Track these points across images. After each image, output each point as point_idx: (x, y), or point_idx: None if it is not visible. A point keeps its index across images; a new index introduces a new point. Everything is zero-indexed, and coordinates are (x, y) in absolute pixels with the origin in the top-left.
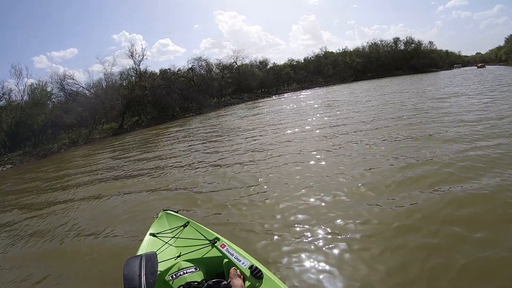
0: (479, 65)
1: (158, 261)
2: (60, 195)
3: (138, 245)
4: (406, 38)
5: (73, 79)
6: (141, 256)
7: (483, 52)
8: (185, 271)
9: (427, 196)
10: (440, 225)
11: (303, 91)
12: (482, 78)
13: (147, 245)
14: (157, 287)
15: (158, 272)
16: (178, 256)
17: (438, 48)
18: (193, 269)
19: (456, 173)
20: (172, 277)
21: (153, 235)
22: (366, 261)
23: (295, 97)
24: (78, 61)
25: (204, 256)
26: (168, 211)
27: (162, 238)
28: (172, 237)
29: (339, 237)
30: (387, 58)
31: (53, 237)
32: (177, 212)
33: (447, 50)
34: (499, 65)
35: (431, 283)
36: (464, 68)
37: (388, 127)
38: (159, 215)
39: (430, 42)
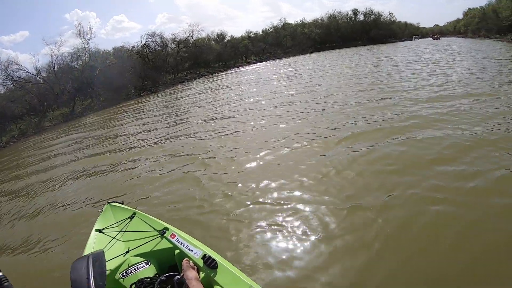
0: (435, 36)
1: (106, 260)
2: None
3: (84, 245)
4: (366, 10)
5: (18, 64)
6: (87, 256)
7: (441, 25)
8: (136, 267)
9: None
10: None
11: (262, 63)
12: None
13: (93, 243)
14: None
15: (107, 271)
16: (127, 252)
17: (398, 19)
18: (144, 264)
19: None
20: (122, 275)
21: (99, 231)
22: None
23: (251, 69)
24: (30, 44)
25: (154, 249)
26: (113, 204)
27: (108, 234)
28: (119, 231)
29: (296, 220)
30: (346, 29)
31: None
32: (122, 204)
33: (406, 22)
34: (457, 36)
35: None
36: (423, 39)
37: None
38: (104, 208)
39: (390, 14)
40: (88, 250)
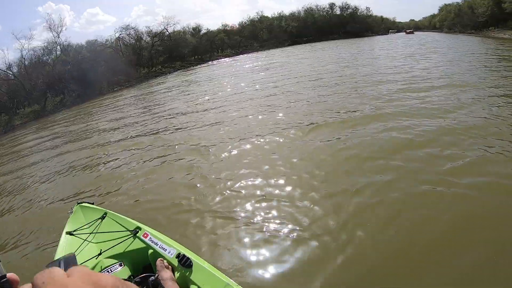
0: (408, 31)
1: (79, 263)
2: None
3: (55, 248)
4: (342, 4)
5: None
6: (59, 260)
7: (416, 19)
8: (109, 269)
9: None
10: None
11: (238, 56)
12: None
13: (64, 246)
14: None
15: None
16: (100, 254)
17: (374, 14)
18: (117, 266)
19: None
20: None
21: (69, 233)
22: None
23: (227, 63)
24: (2, 38)
25: (127, 250)
26: (83, 204)
27: (79, 236)
28: (91, 233)
29: (269, 215)
30: (323, 23)
31: None
32: (92, 204)
33: (382, 16)
34: (432, 31)
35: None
36: (399, 33)
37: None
38: (74, 209)
39: (367, 8)
40: (59, 254)
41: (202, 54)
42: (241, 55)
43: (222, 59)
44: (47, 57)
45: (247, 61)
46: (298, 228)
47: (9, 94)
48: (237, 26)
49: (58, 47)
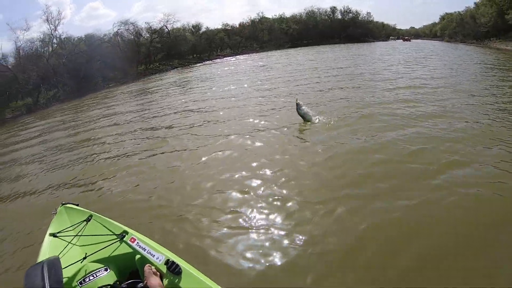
0: (405, 38)
1: (63, 267)
2: None
3: (38, 250)
4: (344, 8)
5: None
6: (42, 263)
7: (417, 27)
8: (94, 274)
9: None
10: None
11: (237, 56)
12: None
13: (48, 248)
14: None
15: (64, 279)
16: (84, 258)
17: (376, 20)
18: (103, 271)
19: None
20: (80, 283)
21: (53, 235)
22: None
23: (227, 62)
24: (2, 29)
25: (113, 254)
26: (68, 205)
27: (64, 238)
28: (75, 236)
29: (259, 216)
30: (324, 26)
31: None
32: (77, 205)
33: (383, 22)
34: (432, 39)
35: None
36: (399, 40)
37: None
38: (58, 210)
39: (368, 13)
40: (42, 257)
41: (201, 52)
42: (241, 56)
43: (221, 59)
44: (43, 49)
45: (247, 62)
46: (295, 234)
47: (1, 86)
48: (237, 26)
49: (55, 40)
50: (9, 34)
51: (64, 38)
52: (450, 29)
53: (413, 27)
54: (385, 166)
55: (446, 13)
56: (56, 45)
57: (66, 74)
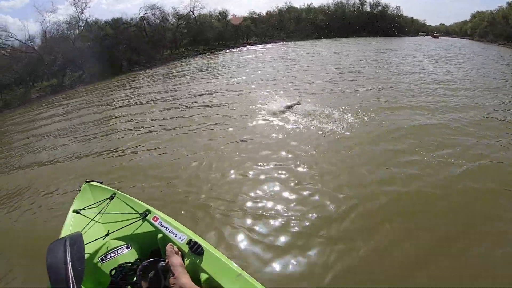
0: (434, 34)
1: (85, 243)
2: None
3: (61, 226)
4: (373, 0)
5: (6, 31)
6: (64, 239)
7: (447, 24)
8: (116, 251)
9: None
10: None
11: (264, 45)
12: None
13: (70, 224)
14: (86, 273)
15: (86, 255)
16: (107, 235)
17: (404, 14)
18: (124, 248)
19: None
20: (101, 259)
21: (76, 212)
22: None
23: (253, 50)
24: (30, 10)
25: (135, 232)
26: (92, 183)
27: (87, 215)
28: (98, 213)
29: (281, 206)
30: (352, 18)
31: None
32: (101, 183)
33: (412, 17)
34: (462, 38)
35: None
36: (428, 36)
37: None
38: (82, 187)
39: (397, 7)
40: (65, 232)
41: (227, 40)
42: (268, 45)
43: (247, 47)
44: (69, 32)
45: (274, 51)
46: (319, 222)
47: (28, 67)
48: (264, 14)
49: (81, 22)
50: (36, 16)
51: (90, 21)
52: (481, 28)
53: (443, 24)
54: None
55: (478, 12)
56: (82, 28)
57: (91, 57)
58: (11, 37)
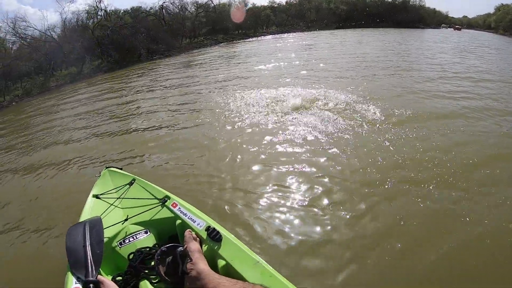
0: (456, 27)
1: (104, 227)
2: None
3: (80, 210)
4: None
5: (26, 21)
6: (84, 222)
7: (470, 16)
8: (134, 236)
9: None
10: None
11: (284, 34)
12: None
13: (90, 209)
14: (104, 256)
15: (105, 239)
16: (126, 220)
17: (427, 5)
18: (143, 233)
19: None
20: (120, 243)
21: (96, 196)
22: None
23: (274, 39)
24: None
25: (154, 218)
26: (112, 169)
27: (106, 200)
28: (118, 198)
29: (310, 195)
30: (373, 8)
31: None
32: (121, 169)
33: (434, 9)
34: (485, 31)
35: None
36: (450, 28)
37: None
38: (102, 173)
39: None
40: (84, 216)
41: (247, 29)
42: (288, 34)
43: (267, 36)
44: (88, 21)
45: (295, 40)
46: (343, 214)
47: (47, 55)
48: (284, 3)
49: (100, 12)
50: (55, 6)
51: (110, 10)
52: (505, 22)
53: (466, 16)
54: None
55: (502, 4)
56: (101, 17)
57: (110, 45)
58: (30, 27)
